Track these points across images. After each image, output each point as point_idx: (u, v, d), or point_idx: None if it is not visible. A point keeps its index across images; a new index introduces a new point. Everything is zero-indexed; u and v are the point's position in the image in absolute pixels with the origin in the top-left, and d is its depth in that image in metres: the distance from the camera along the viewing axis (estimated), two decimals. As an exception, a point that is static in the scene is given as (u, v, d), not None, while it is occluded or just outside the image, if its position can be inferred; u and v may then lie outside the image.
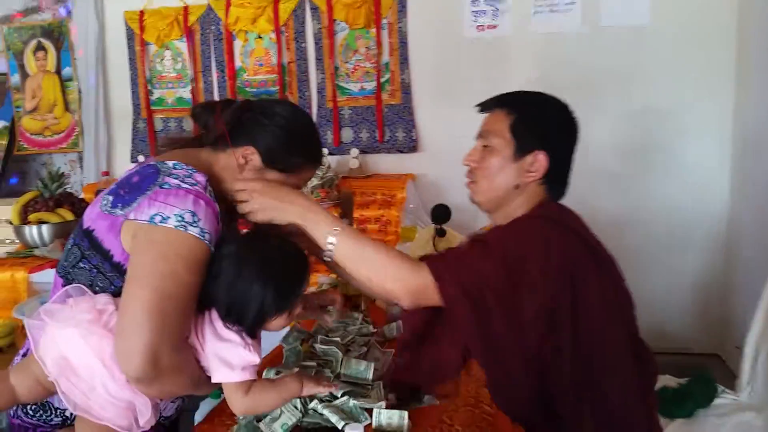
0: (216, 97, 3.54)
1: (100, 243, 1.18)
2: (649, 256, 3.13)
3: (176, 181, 1.16)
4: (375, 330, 1.68)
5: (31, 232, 2.72)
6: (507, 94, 1.36)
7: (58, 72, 3.78)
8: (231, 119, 1.26)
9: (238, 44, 3.47)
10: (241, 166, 1.26)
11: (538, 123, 1.29)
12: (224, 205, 1.33)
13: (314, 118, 3.40)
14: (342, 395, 1.32)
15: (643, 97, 3.03)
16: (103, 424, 1.13)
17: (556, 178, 1.31)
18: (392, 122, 3.29)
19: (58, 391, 1.09)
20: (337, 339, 1.53)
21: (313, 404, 1.29)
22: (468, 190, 1.37)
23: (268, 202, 1.24)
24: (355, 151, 3.25)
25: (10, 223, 2.80)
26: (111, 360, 1.09)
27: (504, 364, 1.19)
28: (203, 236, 1.13)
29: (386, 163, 3.34)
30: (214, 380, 1.16)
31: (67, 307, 1.14)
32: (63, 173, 2.97)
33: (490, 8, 3.06)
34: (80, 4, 3.66)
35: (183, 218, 1.12)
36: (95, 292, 1.20)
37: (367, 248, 1.23)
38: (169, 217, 1.11)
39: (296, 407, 1.28)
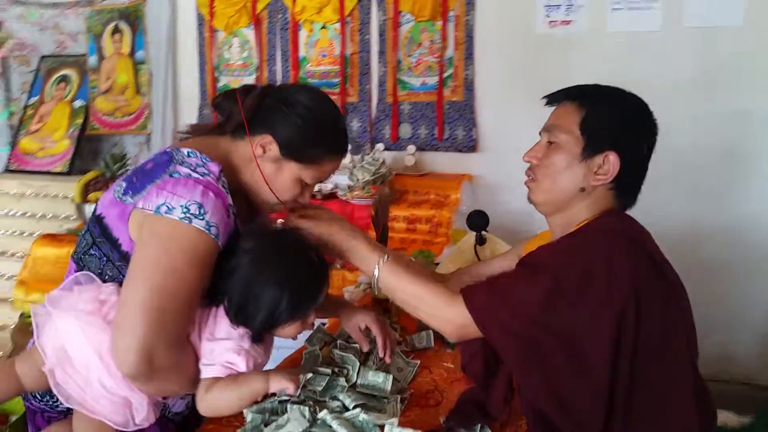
0: (278, 86, 3.53)
1: (110, 230, 1.15)
2: (724, 274, 2.87)
3: (187, 170, 1.12)
4: (403, 338, 1.59)
5: (90, 210, 2.79)
6: (580, 86, 1.22)
7: (132, 55, 3.89)
8: (251, 106, 1.20)
9: (303, 34, 3.44)
10: (259, 155, 1.20)
11: (612, 121, 1.15)
12: (243, 195, 1.27)
13: (373, 112, 3.34)
14: (354, 407, 1.24)
15: (730, 100, 2.77)
16: (98, 419, 1.10)
17: (627, 184, 1.17)
18: (452, 120, 3.18)
19: (50, 383, 1.07)
20: (356, 345, 1.45)
21: (322, 414, 1.22)
22: (527, 189, 1.25)
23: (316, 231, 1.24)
24: (411, 148, 3.15)
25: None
26: (108, 354, 1.06)
27: (568, 404, 1.04)
28: (209, 229, 1.08)
29: (443, 162, 3.23)
30: (201, 376, 1.11)
31: (71, 295, 1.12)
32: (125, 155, 3.06)
33: (565, 3, 2.88)
34: (156, -12, 3.74)
35: (189, 210, 1.07)
36: (104, 281, 1.17)
37: (404, 284, 1.18)
38: (174, 208, 1.07)
39: (304, 416, 1.21)
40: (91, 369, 1.07)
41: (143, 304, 1.03)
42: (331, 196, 3.03)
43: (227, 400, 1.12)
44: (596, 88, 1.20)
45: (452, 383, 1.42)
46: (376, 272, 1.19)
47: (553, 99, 1.22)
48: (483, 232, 1.80)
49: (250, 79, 3.61)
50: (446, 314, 1.12)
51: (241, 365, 1.12)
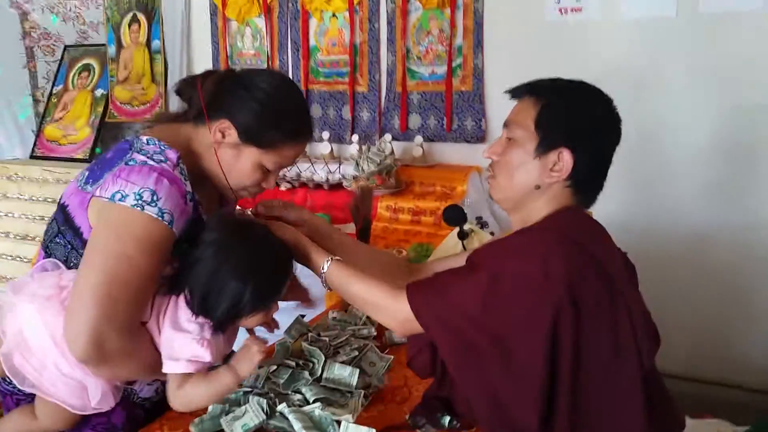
0: (290, 76, 3.53)
1: (72, 219, 1.17)
2: (741, 273, 2.76)
3: (143, 158, 1.12)
4: (376, 333, 1.57)
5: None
6: (539, 80, 1.19)
7: (148, 44, 3.93)
8: (210, 91, 1.19)
9: (313, 23, 3.42)
10: (218, 142, 1.20)
11: (567, 116, 1.12)
12: (208, 182, 1.27)
13: (383, 102, 3.30)
14: (314, 401, 1.24)
15: (750, 91, 2.64)
16: (57, 403, 1.12)
17: (585, 181, 1.14)
18: (461, 110, 3.12)
19: (5, 366, 1.09)
20: (326, 339, 1.44)
21: (281, 407, 1.22)
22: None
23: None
24: (419, 139, 3.11)
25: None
26: (62, 338, 1.08)
27: (505, 407, 1.03)
28: (162, 216, 1.08)
29: (452, 153, 3.17)
30: (164, 370, 1.11)
31: (32, 281, 1.14)
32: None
33: (575, -10, 2.79)
34: (170, -23, 3.78)
35: (141, 197, 1.07)
36: (69, 269, 1.19)
37: (351, 281, 1.18)
38: (127, 196, 1.07)
39: (262, 408, 1.22)
40: (46, 353, 1.09)
41: (94, 290, 1.04)
42: (338, 186, 3.03)
43: (200, 396, 1.13)
44: (554, 82, 1.17)
45: (423, 380, 1.40)
46: (324, 268, 1.19)
47: (514, 93, 1.19)
48: (468, 226, 1.77)
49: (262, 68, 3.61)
50: (391, 309, 1.12)
51: (206, 356, 1.12)
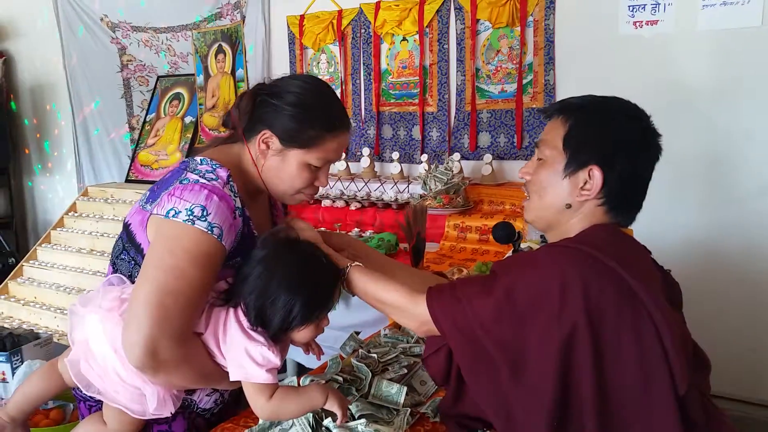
0: (362, 100, 3.62)
1: (134, 236, 1.25)
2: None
3: (195, 177, 1.20)
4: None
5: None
6: (572, 98, 1.17)
7: (233, 73, 4.15)
8: (246, 107, 1.26)
9: (384, 47, 3.50)
10: (263, 152, 1.26)
11: (596, 134, 1.09)
12: (260, 198, 1.33)
13: (452, 121, 3.31)
14: (359, 417, 1.25)
15: None
16: (119, 408, 1.20)
17: (618, 199, 1.10)
18: (532, 127, 3.08)
19: (72, 372, 1.18)
20: (374, 355, 1.45)
21: (327, 422, 1.24)
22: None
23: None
24: (488, 157, 3.09)
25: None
26: (121, 347, 1.15)
27: (515, 420, 1.01)
28: (211, 230, 1.15)
29: (523, 171, 3.13)
30: (232, 378, 1.16)
31: (98, 295, 1.23)
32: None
33: (651, 2, 2.70)
34: (252, 9, 3.99)
35: (192, 212, 1.14)
36: (133, 283, 1.27)
37: (373, 285, 1.21)
38: (180, 212, 1.15)
39: (308, 422, 1.24)
40: (108, 361, 1.17)
41: (148, 301, 1.11)
42: (405, 204, 3.05)
43: (289, 410, 1.18)
44: (584, 99, 1.14)
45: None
46: (345, 272, 1.22)
47: (546, 113, 1.17)
48: (529, 243, 1.73)
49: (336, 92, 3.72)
50: (410, 312, 1.15)
51: (278, 362, 1.16)
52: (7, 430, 1.33)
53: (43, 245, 4.18)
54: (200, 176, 1.20)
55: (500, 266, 1.10)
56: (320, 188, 1.36)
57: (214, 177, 1.20)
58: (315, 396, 1.17)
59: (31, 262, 4.13)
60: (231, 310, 1.19)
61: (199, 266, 1.14)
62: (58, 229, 4.24)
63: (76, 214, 4.31)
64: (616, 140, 1.08)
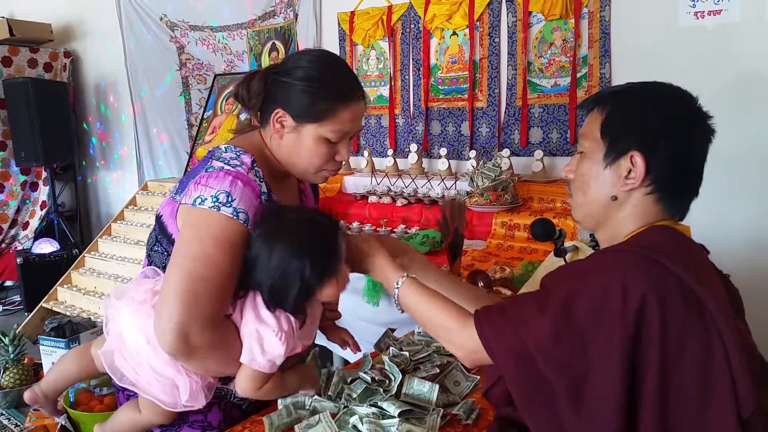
0: (411, 96, 3.59)
1: (165, 227, 1.27)
2: None
3: (220, 164, 1.21)
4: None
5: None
6: (609, 88, 1.11)
7: (286, 70, 4.20)
8: (258, 89, 1.24)
9: (434, 42, 3.46)
10: (278, 131, 1.25)
11: (633, 118, 1.02)
12: (287, 181, 1.34)
13: (502, 117, 3.24)
14: (399, 414, 1.22)
15: None
16: (152, 399, 1.22)
17: (667, 185, 1.02)
18: (586, 123, 2.97)
19: (105, 363, 1.20)
20: (406, 353, 1.42)
21: (354, 419, 1.22)
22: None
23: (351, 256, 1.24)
24: (539, 153, 3.00)
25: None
26: (154, 339, 1.17)
27: None
28: (237, 215, 1.15)
29: (575, 168, 3.02)
30: (241, 360, 1.17)
31: (131, 287, 1.25)
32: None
33: (714, -10, 2.55)
34: (304, 7, 4.02)
35: (218, 199, 1.15)
36: (165, 274, 1.29)
37: (422, 306, 1.13)
38: (206, 199, 1.16)
39: (333, 423, 1.23)
40: (141, 352, 1.19)
41: (177, 288, 1.12)
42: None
43: (272, 395, 1.26)
44: (623, 86, 1.07)
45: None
46: (399, 284, 1.17)
47: (583, 107, 1.10)
48: (572, 242, 1.66)
49: (385, 89, 3.71)
50: (457, 339, 1.05)
51: (282, 351, 1.16)
52: (40, 403, 1.38)
53: (104, 237, 4.36)
54: (225, 163, 1.20)
55: (551, 279, 1.01)
56: (343, 163, 1.33)
57: (238, 163, 1.21)
58: (291, 385, 1.27)
59: (92, 253, 4.31)
60: (250, 294, 1.19)
61: (227, 252, 1.15)
62: (119, 222, 4.41)
63: (135, 208, 4.47)
64: (658, 122, 1.00)
